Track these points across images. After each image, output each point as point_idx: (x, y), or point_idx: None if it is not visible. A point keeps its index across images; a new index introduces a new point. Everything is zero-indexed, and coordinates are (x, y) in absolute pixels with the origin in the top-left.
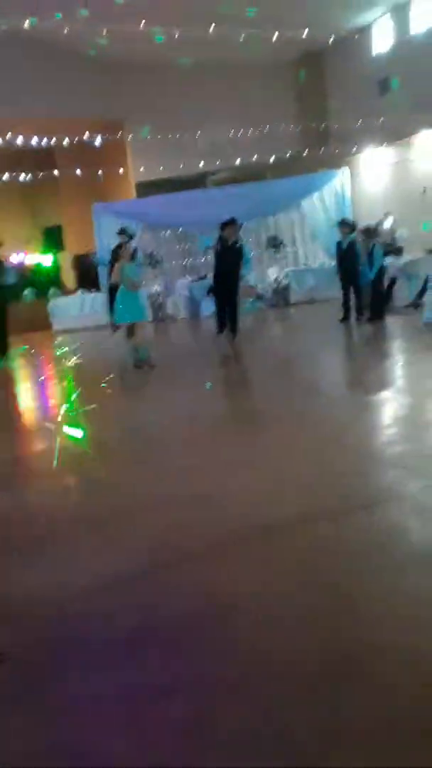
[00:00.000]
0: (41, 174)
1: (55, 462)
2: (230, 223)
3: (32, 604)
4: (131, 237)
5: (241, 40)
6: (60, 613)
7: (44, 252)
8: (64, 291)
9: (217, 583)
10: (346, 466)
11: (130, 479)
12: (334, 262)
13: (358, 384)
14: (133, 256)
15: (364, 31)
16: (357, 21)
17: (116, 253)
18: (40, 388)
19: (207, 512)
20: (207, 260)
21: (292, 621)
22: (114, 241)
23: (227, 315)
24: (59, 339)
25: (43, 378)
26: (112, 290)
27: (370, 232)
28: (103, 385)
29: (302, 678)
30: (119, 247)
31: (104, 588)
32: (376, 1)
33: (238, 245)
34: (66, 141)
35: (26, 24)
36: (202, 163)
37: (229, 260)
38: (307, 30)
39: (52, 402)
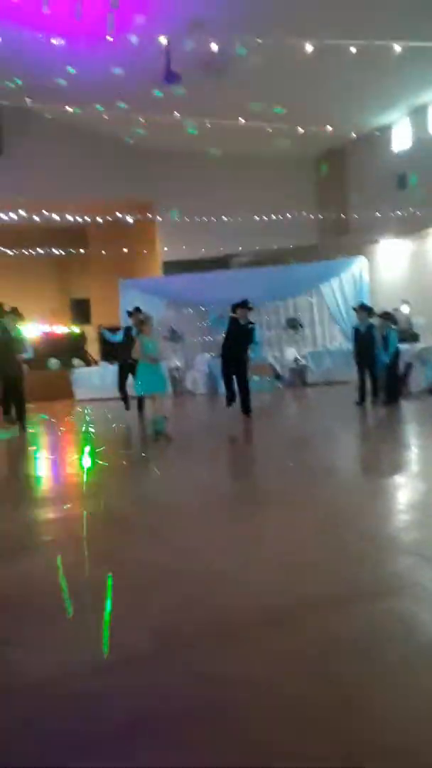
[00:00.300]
0: (73, 250)
1: (63, 532)
2: (242, 305)
3: (21, 684)
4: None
5: (267, 134)
6: (48, 695)
7: (71, 323)
8: (88, 362)
9: (216, 669)
10: (357, 551)
11: (136, 553)
12: (351, 345)
13: (371, 467)
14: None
15: (384, 129)
16: (378, 121)
17: (129, 333)
18: (56, 457)
19: (212, 593)
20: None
21: (292, 714)
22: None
23: (240, 393)
24: (80, 408)
25: (59, 447)
26: (123, 367)
27: (388, 317)
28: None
29: None
30: (129, 329)
31: (99, 670)
32: (395, 104)
33: (249, 327)
34: (98, 219)
35: (69, 111)
36: (224, 247)
37: (239, 340)
38: (330, 128)
39: (65, 471)
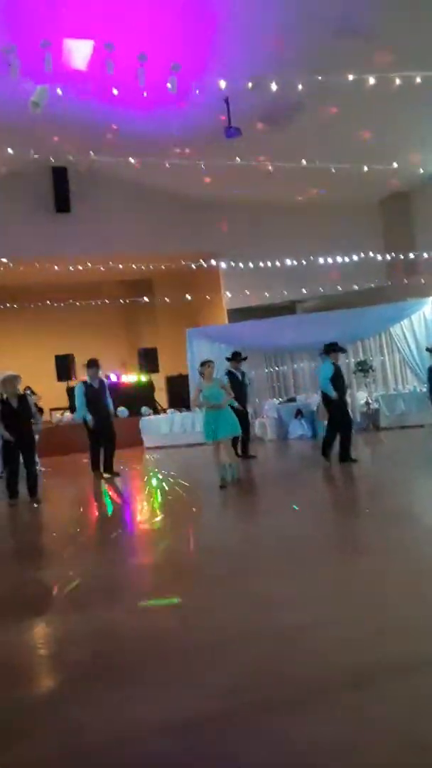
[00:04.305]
0: (139, 299)
1: (132, 583)
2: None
3: (91, 742)
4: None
5: (331, 179)
6: (124, 755)
7: (140, 372)
8: (157, 410)
9: (299, 736)
10: None
11: (212, 606)
12: (425, 388)
13: None
14: None
15: None
16: None
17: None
18: (125, 505)
19: (293, 651)
20: (296, 382)
21: None
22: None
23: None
24: (148, 456)
25: (128, 495)
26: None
27: None
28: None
29: None
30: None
31: (175, 730)
32: None
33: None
34: (163, 268)
35: (132, 163)
36: (290, 292)
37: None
38: (395, 165)
39: (136, 517)
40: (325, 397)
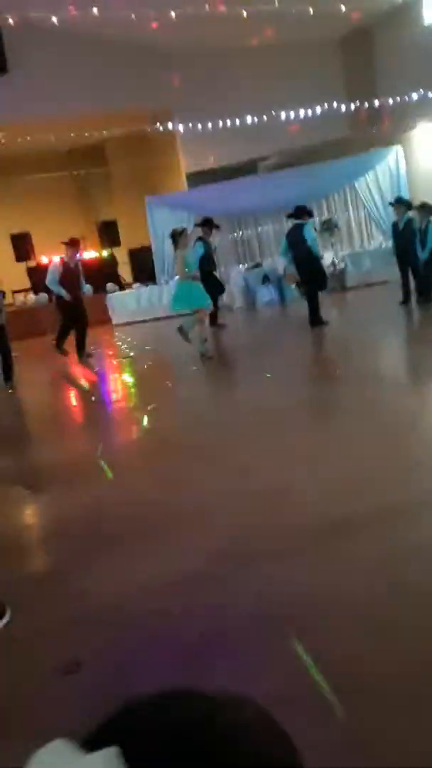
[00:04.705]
0: (93, 169)
1: (116, 458)
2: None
3: (94, 605)
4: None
5: (286, 16)
6: (126, 614)
7: (101, 247)
8: (122, 285)
9: (286, 584)
10: (421, 458)
11: (195, 475)
12: (390, 243)
13: (425, 371)
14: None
15: (414, 1)
16: None
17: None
18: (101, 383)
19: (276, 509)
20: (261, 247)
21: (364, 631)
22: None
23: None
24: (118, 333)
25: (104, 373)
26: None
27: (427, 210)
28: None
29: (375, 694)
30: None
31: (170, 589)
32: None
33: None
34: (115, 134)
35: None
36: (250, 151)
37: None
38: (343, 8)
39: (112, 396)
40: (308, 262)
